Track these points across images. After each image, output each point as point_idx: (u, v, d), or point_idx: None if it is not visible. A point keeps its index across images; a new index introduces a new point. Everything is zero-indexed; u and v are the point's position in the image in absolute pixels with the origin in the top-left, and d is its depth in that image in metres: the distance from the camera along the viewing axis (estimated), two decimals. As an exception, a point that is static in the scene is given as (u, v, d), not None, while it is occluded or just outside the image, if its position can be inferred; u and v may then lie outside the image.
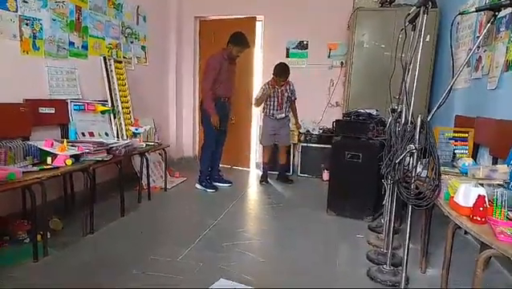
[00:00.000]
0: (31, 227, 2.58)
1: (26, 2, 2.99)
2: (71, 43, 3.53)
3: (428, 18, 2.10)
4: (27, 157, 2.63)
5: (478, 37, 2.99)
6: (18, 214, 2.83)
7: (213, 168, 4.48)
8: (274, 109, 4.58)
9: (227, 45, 4.08)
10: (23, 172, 2.31)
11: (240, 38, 4.07)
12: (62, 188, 3.35)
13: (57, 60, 3.36)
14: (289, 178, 4.86)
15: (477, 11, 1.82)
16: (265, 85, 4.60)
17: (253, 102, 4.80)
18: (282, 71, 4.43)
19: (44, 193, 2.36)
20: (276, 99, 4.54)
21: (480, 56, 3.08)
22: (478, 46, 3.03)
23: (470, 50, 3.09)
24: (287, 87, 4.54)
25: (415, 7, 2.14)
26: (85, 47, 3.73)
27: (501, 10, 1.77)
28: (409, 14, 2.19)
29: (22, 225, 2.70)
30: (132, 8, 4.54)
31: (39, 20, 3.14)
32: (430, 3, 2.15)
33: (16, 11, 2.90)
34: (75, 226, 2.92)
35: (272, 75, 4.52)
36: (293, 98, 4.63)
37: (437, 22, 4.04)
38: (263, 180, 4.75)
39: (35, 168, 2.47)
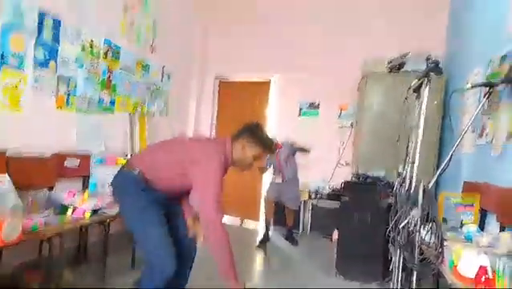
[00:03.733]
0: (43, 278, 2.67)
1: (65, 63, 3.33)
2: (101, 100, 3.84)
3: (434, 84, 2.22)
4: (50, 208, 2.79)
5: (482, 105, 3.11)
6: (30, 264, 2.90)
7: None
8: (274, 173, 4.62)
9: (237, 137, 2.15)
10: (45, 223, 2.45)
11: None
12: (77, 239, 3.45)
13: (86, 116, 3.64)
14: (294, 239, 4.69)
15: (473, 87, 1.96)
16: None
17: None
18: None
19: (62, 245, 2.47)
20: (273, 165, 4.56)
21: (484, 123, 3.18)
22: (482, 114, 3.14)
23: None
24: (281, 150, 4.49)
25: (416, 80, 2.31)
26: (112, 103, 4.03)
27: (493, 87, 1.91)
28: (410, 87, 2.35)
29: (35, 276, 2.75)
30: (159, 68, 4.92)
31: (75, 79, 3.46)
32: (433, 74, 2.32)
33: (56, 71, 3.23)
34: (86, 278, 2.98)
35: None
36: (293, 153, 4.55)
37: (444, 88, 4.22)
38: (262, 243, 4.48)
39: (56, 219, 2.61)
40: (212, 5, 5.94)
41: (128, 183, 2.03)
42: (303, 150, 4.63)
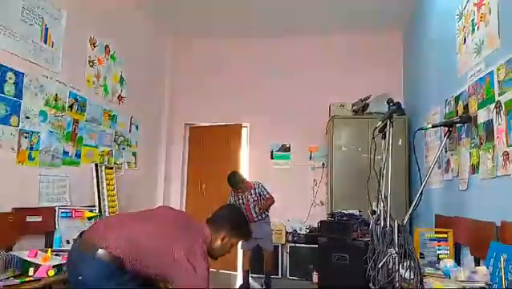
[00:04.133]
0: None
1: (28, 118, 3.22)
2: (66, 152, 3.70)
3: (397, 124, 2.35)
4: (9, 269, 2.56)
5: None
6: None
7: None
8: None
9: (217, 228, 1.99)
10: (4, 287, 2.24)
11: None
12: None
13: (50, 169, 3.48)
14: (270, 287, 4.46)
15: (433, 127, 2.07)
16: (230, 194, 4.59)
17: None
18: (230, 182, 4.40)
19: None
20: (243, 206, 4.39)
21: (448, 159, 3.33)
22: (446, 151, 3.30)
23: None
24: (252, 191, 4.45)
25: (380, 122, 2.42)
26: (78, 155, 3.90)
27: (453, 126, 2.03)
28: (376, 128, 2.45)
29: None
30: (126, 118, 4.87)
31: (38, 133, 3.34)
32: (395, 115, 2.46)
33: (17, 126, 3.11)
34: None
35: None
36: (264, 199, 4.46)
37: (407, 127, 4.44)
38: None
39: (16, 281, 2.40)
40: (178, 56, 6.08)
41: (108, 277, 1.66)
42: (269, 201, 4.49)
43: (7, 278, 2.45)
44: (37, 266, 2.61)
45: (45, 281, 2.53)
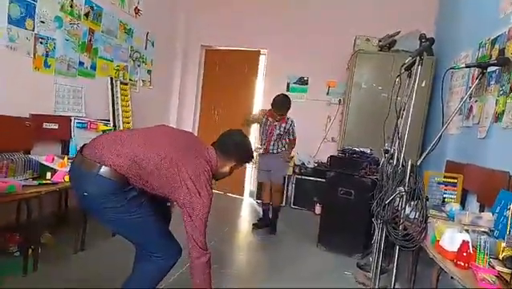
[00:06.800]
0: (22, 241, 2.61)
1: (43, 22, 3.13)
2: (81, 63, 3.67)
3: (424, 64, 2.22)
4: (27, 171, 2.68)
5: (470, 87, 3.13)
6: (8, 227, 2.82)
7: None
8: (260, 143, 4.12)
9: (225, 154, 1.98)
10: (23, 186, 2.35)
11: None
12: (56, 203, 3.37)
13: (66, 78, 3.48)
14: (271, 231, 4.03)
15: (466, 67, 1.95)
16: (262, 111, 4.25)
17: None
18: (278, 105, 3.86)
19: (41, 207, 2.40)
20: (265, 133, 4.02)
21: (471, 106, 3.21)
22: (470, 96, 3.17)
23: (462, 98, 3.24)
24: (282, 125, 3.93)
25: (410, 57, 2.28)
26: (93, 68, 3.86)
27: (487, 68, 1.90)
28: (404, 64, 2.32)
29: (14, 238, 2.71)
30: (142, 33, 4.73)
31: (53, 39, 3.27)
32: (425, 54, 2.30)
33: (33, 30, 3.04)
34: (66, 242, 2.93)
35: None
36: (290, 137, 4.05)
37: (433, 69, 4.23)
38: (258, 225, 4.08)
39: (35, 182, 2.52)
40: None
41: (113, 194, 1.67)
42: (293, 141, 4.12)
43: (26, 179, 2.57)
44: (54, 171, 2.72)
45: (62, 185, 2.65)
